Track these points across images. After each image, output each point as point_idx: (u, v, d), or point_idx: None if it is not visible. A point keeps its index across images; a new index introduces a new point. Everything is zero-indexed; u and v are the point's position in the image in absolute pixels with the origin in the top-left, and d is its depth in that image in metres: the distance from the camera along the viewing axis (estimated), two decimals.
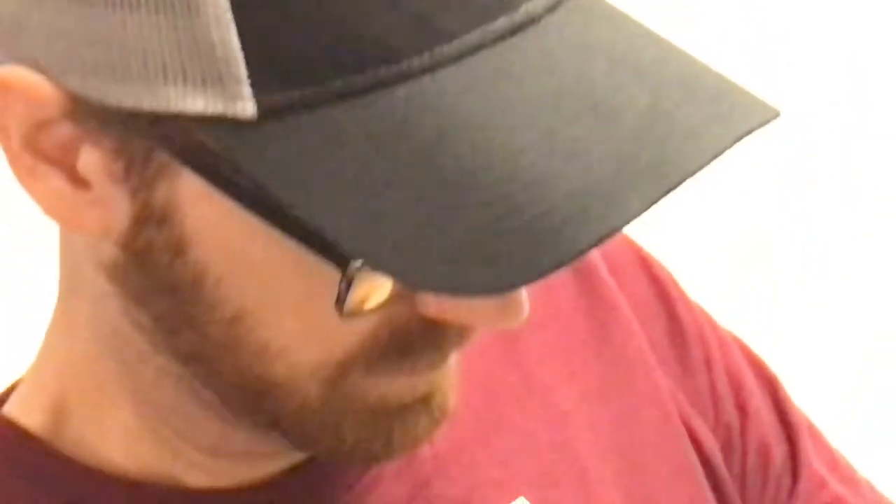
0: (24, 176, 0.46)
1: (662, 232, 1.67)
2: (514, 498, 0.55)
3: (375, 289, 0.44)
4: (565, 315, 0.60)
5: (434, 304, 0.46)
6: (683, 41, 0.49)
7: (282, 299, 0.45)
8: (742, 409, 0.62)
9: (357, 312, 0.44)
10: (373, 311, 0.45)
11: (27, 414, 0.52)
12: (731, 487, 0.60)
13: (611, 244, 0.56)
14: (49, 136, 0.45)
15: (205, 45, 0.41)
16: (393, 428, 0.49)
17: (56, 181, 0.45)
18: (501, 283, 0.39)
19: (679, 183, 0.40)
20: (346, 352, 0.46)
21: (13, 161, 0.46)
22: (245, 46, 0.41)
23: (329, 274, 0.43)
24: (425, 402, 0.49)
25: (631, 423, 0.59)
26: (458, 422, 0.53)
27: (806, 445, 0.63)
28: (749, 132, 0.44)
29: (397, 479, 0.54)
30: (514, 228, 0.39)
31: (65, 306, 0.52)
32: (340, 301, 0.43)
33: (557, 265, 0.39)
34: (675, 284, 0.64)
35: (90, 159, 0.45)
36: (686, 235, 1.71)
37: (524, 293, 0.45)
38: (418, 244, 0.40)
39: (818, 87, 1.70)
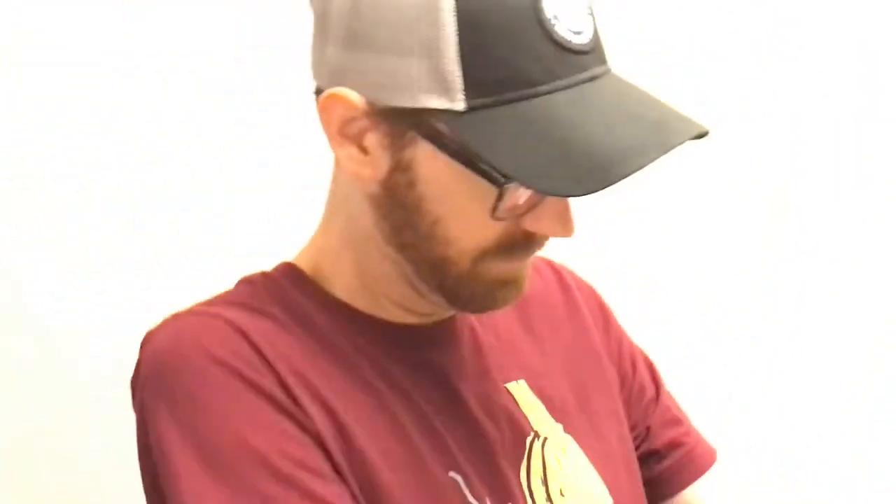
0: (336, 147, 0.89)
1: (684, 220, 1.68)
2: (519, 378, 1.00)
3: (511, 205, 0.85)
4: (557, 312, 1.08)
5: (530, 220, 0.87)
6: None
7: (462, 210, 0.87)
8: (633, 367, 1.10)
9: (499, 218, 0.86)
10: (505, 218, 0.86)
11: (303, 265, 0.96)
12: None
13: (582, 290, 1.10)
14: (352, 126, 0.87)
15: (442, 74, 0.83)
16: (500, 293, 0.92)
17: (352, 150, 0.88)
18: (590, 188, 0.80)
19: (673, 147, 0.82)
20: (488, 243, 0.88)
21: (331, 139, 0.88)
22: (462, 74, 0.83)
23: (490, 196, 0.84)
24: (516, 281, 0.92)
25: (585, 369, 1.05)
26: (503, 332, 1.01)
27: (664, 391, 1.13)
28: (701, 133, 0.85)
29: (506, 313, 1.00)
30: (596, 165, 0.81)
31: (327, 220, 0.96)
32: (494, 209, 0.85)
33: (615, 181, 0.80)
34: (612, 313, 1.12)
35: (372, 138, 0.87)
36: (697, 229, 1.72)
37: (573, 221, 0.88)
38: (552, 173, 0.81)
39: (821, 81, 1.71)
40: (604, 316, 1.10)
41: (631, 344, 1.11)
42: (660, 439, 1.09)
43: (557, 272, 1.09)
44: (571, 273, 1.11)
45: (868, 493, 1.73)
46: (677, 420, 1.11)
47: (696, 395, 1.71)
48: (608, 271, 1.68)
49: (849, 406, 1.71)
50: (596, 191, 0.80)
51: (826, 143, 1.71)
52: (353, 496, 0.86)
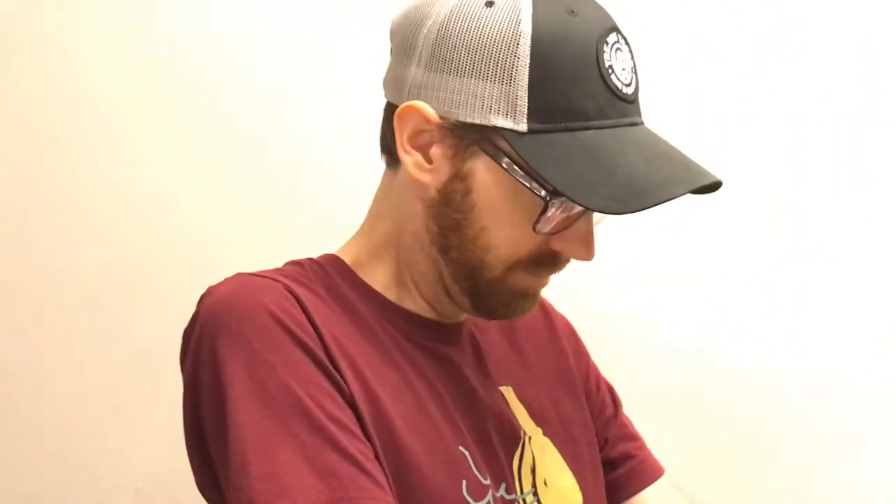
0: (404, 153, 1.01)
1: (690, 224, 1.68)
2: (508, 385, 1.13)
3: (549, 222, 0.98)
4: (539, 334, 1.21)
5: (559, 241, 1.01)
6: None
7: (508, 221, 0.99)
8: (597, 388, 1.24)
9: (539, 232, 0.98)
10: (542, 233, 0.99)
11: (345, 257, 1.08)
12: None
13: (558, 318, 1.25)
14: (422, 136, 1.00)
15: (512, 99, 0.96)
16: (520, 303, 1.05)
17: (418, 157, 1.01)
18: (629, 209, 0.93)
19: (699, 185, 0.96)
20: (522, 255, 1.01)
21: (401, 146, 1.01)
22: (529, 101, 0.96)
23: (535, 210, 0.97)
24: (535, 295, 1.06)
25: (561, 384, 1.19)
26: (495, 344, 1.15)
27: (621, 411, 1.26)
28: (717, 181, 0.97)
29: (498, 329, 1.16)
30: (634, 192, 0.94)
31: (371, 222, 1.09)
32: (536, 223, 0.98)
33: (651, 206, 0.93)
34: (582, 341, 1.26)
35: (438, 150, 1.00)
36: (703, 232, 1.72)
37: (595, 247, 1.01)
38: (597, 193, 0.94)
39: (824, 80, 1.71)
40: (576, 342, 1.25)
41: (596, 369, 1.26)
42: (615, 451, 1.22)
43: (541, 302, 1.22)
44: (550, 303, 1.26)
45: (869, 492, 1.73)
46: (632, 436, 1.25)
47: (699, 388, 1.72)
48: (611, 273, 1.70)
49: (849, 406, 1.71)
50: (633, 212, 0.93)
51: (826, 143, 1.71)
52: (377, 455, 0.95)
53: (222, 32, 1.73)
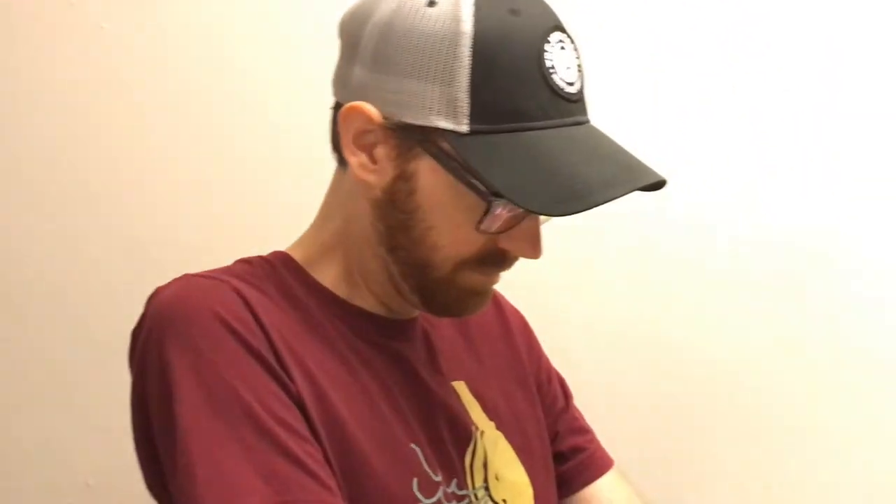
0: (349, 154, 1.01)
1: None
2: (461, 379, 1.14)
3: (494, 222, 0.98)
4: (492, 329, 1.23)
5: (506, 239, 1.00)
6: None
7: (452, 221, 0.99)
8: (549, 381, 1.26)
9: (483, 232, 0.98)
10: (486, 233, 0.99)
11: (295, 255, 1.08)
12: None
13: (511, 312, 1.26)
14: (367, 136, 1.00)
15: (453, 100, 0.96)
16: (471, 301, 1.05)
17: (363, 158, 1.00)
18: (570, 210, 0.93)
19: (640, 185, 0.96)
20: (469, 254, 1.01)
21: (346, 146, 1.01)
22: (470, 102, 0.95)
23: (478, 211, 0.97)
24: (485, 293, 1.06)
25: (513, 379, 1.21)
26: (447, 339, 1.16)
27: (572, 404, 1.28)
28: (660, 181, 0.97)
29: (450, 323, 1.17)
30: (577, 192, 0.93)
31: (322, 220, 1.09)
32: (480, 223, 0.98)
33: (592, 206, 0.93)
34: (535, 334, 1.28)
35: (382, 150, 1.00)
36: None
37: (542, 245, 1.01)
38: (538, 194, 0.93)
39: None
40: (528, 336, 1.26)
41: (548, 361, 1.28)
42: (565, 444, 1.24)
43: (494, 296, 1.22)
44: (503, 297, 1.26)
45: (828, 482, 1.74)
46: (582, 429, 1.27)
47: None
48: (561, 266, 1.70)
49: (801, 397, 1.72)
50: (575, 213, 0.93)
51: (788, 139, 1.71)
52: (326, 457, 0.96)
53: (209, 32, 1.71)
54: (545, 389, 1.24)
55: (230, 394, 0.94)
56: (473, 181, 0.96)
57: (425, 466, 1.03)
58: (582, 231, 1.63)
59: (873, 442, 1.73)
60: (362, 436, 0.99)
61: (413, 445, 1.03)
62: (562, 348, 1.33)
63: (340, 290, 1.06)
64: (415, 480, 1.01)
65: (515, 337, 1.23)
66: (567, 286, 1.72)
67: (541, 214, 0.99)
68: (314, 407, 0.97)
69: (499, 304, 1.24)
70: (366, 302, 1.07)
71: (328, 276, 1.07)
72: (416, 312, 1.11)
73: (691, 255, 1.73)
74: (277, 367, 0.96)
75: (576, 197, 0.93)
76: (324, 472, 0.94)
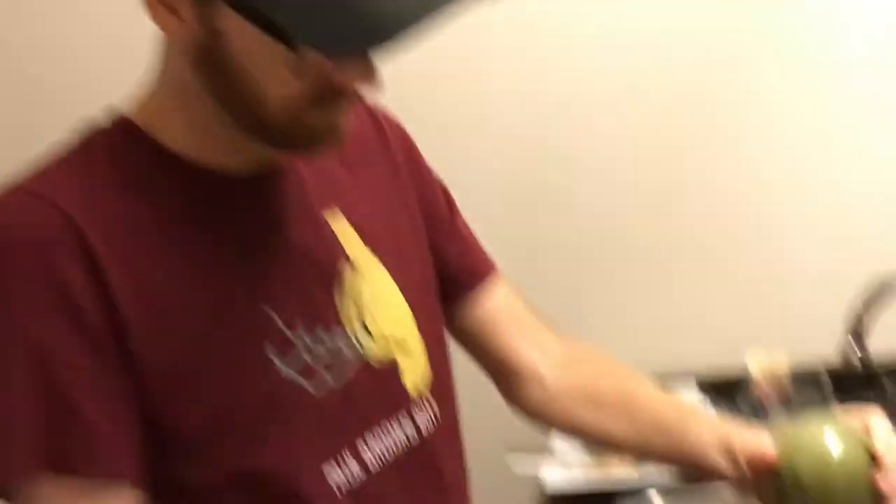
0: (155, 14, 0.97)
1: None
2: (334, 206, 1.12)
3: (315, 62, 0.95)
4: (370, 148, 1.19)
5: (336, 73, 0.96)
6: None
7: (269, 71, 0.96)
8: (433, 194, 1.25)
9: (306, 76, 0.96)
10: (310, 76, 0.96)
11: (137, 119, 1.04)
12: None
13: (388, 123, 1.23)
14: None
15: None
16: (321, 139, 1.02)
17: (169, 18, 0.97)
18: (369, 44, 0.90)
19: (439, 9, 0.90)
20: (300, 97, 0.97)
21: (149, 3, 0.97)
22: None
23: (292, 56, 0.94)
24: (334, 130, 1.02)
25: (394, 201, 1.19)
26: (330, 172, 1.13)
27: (457, 213, 1.28)
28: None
29: (307, 166, 1.11)
30: (378, 24, 0.89)
31: (157, 75, 1.04)
32: (297, 69, 0.95)
33: (392, 38, 0.89)
34: (416, 147, 1.25)
35: (184, 5, 0.96)
36: None
37: (377, 72, 0.97)
38: (330, 31, 0.90)
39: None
40: (409, 150, 1.24)
41: (430, 172, 1.26)
42: (448, 253, 1.24)
43: (371, 112, 1.21)
44: (384, 112, 1.23)
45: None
46: (465, 238, 1.28)
47: None
48: None
49: None
50: (373, 46, 0.90)
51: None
52: (134, 398, 0.97)
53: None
54: (427, 200, 1.23)
55: (30, 352, 0.95)
56: (273, 29, 0.93)
57: (279, 324, 1.03)
58: None
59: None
60: (202, 323, 1.00)
61: (265, 307, 1.03)
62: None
63: (190, 151, 1.03)
64: (266, 343, 1.02)
65: (397, 156, 1.21)
66: None
67: (334, 55, 0.94)
68: (142, 320, 0.97)
69: (378, 124, 1.21)
70: (217, 158, 1.04)
71: (174, 137, 1.03)
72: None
73: None
74: (96, 318, 0.96)
75: (378, 28, 0.89)
76: (114, 437, 0.97)
